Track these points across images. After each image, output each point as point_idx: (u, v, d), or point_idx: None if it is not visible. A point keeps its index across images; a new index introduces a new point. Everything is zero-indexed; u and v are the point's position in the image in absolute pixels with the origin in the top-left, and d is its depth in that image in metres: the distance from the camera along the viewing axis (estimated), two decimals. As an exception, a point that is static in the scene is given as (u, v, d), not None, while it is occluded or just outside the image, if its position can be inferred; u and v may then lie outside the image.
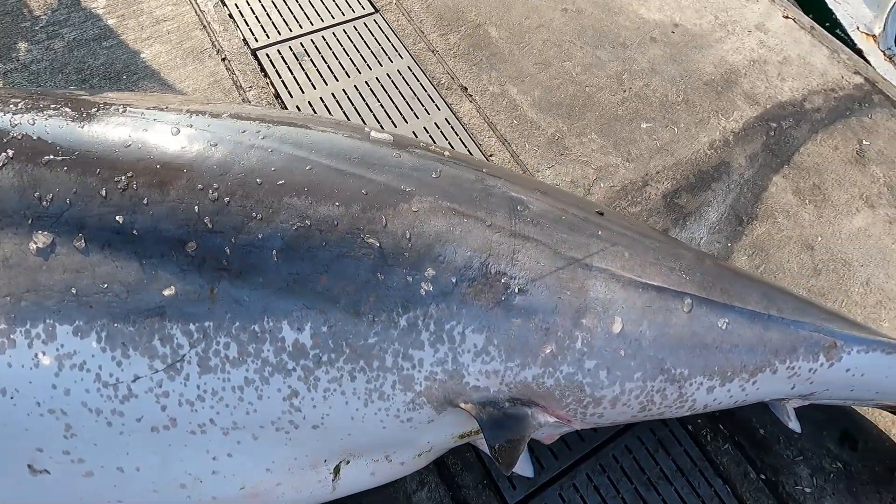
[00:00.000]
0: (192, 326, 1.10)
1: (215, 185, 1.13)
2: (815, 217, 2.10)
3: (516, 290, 1.16)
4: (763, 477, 1.59)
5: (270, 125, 1.26)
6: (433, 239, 1.16)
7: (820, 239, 2.05)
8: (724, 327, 1.24)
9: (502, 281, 1.16)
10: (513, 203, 1.26)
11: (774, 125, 2.32)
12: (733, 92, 2.40)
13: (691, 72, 2.44)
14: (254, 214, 1.12)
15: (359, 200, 1.16)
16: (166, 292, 1.09)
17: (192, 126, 1.21)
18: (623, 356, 1.19)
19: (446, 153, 1.36)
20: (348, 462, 1.30)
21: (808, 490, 1.58)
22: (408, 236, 1.15)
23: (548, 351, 1.17)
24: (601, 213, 1.36)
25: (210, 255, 1.10)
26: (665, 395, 1.24)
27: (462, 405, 1.17)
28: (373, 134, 1.34)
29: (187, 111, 1.26)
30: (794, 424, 1.43)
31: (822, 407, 1.66)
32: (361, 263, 1.13)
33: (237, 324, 1.11)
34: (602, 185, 2.09)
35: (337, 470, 1.31)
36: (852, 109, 2.41)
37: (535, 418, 1.20)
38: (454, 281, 1.15)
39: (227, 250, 1.10)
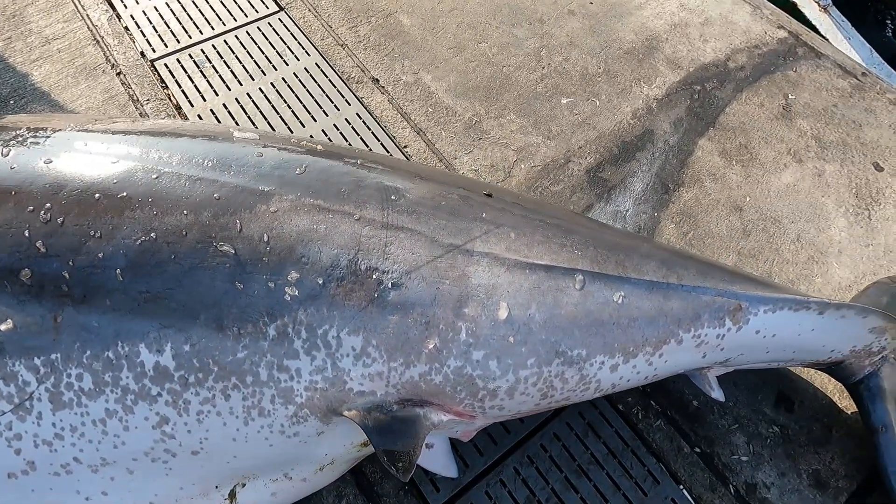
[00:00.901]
0: (37, 360, 1.01)
1: (48, 206, 1.04)
2: (743, 177, 2.05)
3: (390, 286, 1.09)
4: (698, 450, 1.53)
5: (118, 135, 1.18)
6: (294, 239, 1.08)
7: (748, 199, 2.01)
8: (619, 301, 1.18)
9: (374, 277, 1.09)
10: (386, 192, 1.18)
11: (698, 88, 2.27)
12: (655, 58, 2.34)
13: (611, 42, 2.38)
14: (92, 233, 1.03)
15: (210, 206, 1.08)
16: (3, 326, 1.00)
17: (25, 144, 1.11)
18: (513, 343, 1.12)
19: (319, 147, 1.28)
20: (244, 485, 1.22)
21: (744, 459, 1.53)
22: (266, 239, 1.07)
23: (431, 346, 1.10)
24: (489, 195, 1.29)
25: (48, 281, 1.02)
26: (565, 378, 1.17)
27: (346, 413, 1.10)
28: (236, 134, 1.25)
29: (27, 128, 1.17)
30: (717, 394, 1.38)
31: (755, 370, 1.61)
32: (217, 273, 1.05)
33: (88, 352, 1.02)
34: (523, 166, 2.02)
35: (233, 495, 1.23)
36: (777, 64, 2.37)
37: (428, 419, 1.13)
38: (321, 282, 1.07)
39: (66, 274, 1.02)
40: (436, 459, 1.41)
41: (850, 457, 1.54)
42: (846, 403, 1.62)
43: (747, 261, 1.87)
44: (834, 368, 1.43)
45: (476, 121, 2.11)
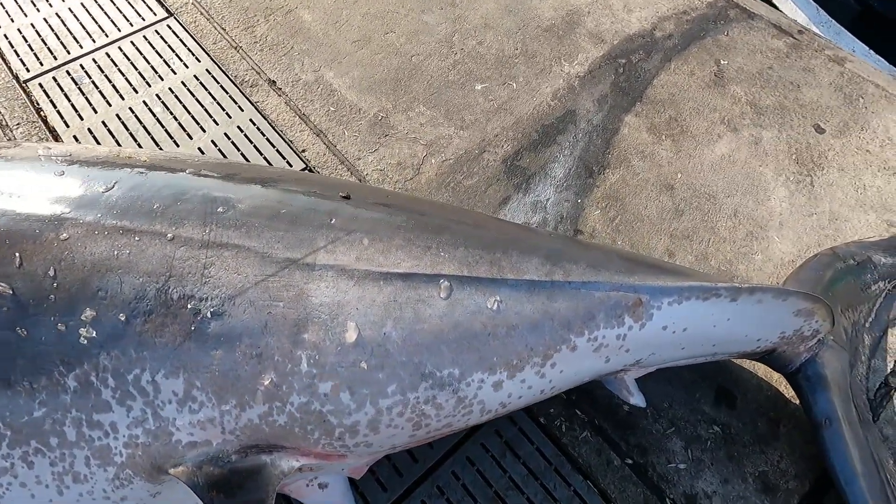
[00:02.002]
0: None
1: None
2: (674, 153, 1.90)
3: (209, 315, 0.92)
4: (630, 461, 1.37)
5: None
6: (89, 271, 0.91)
7: (680, 176, 1.85)
8: (495, 308, 1.01)
9: (189, 306, 0.92)
10: (213, 205, 1.01)
11: (623, 61, 2.12)
12: (576, 34, 2.19)
13: (529, 20, 2.22)
14: None
15: (-17, 240, 0.91)
16: None
17: None
18: (366, 369, 0.95)
19: (144, 158, 1.10)
20: (81, 561, 1.05)
21: (682, 467, 1.36)
22: (52, 273, 0.90)
23: (267, 382, 0.93)
24: (347, 197, 1.12)
25: None
26: (438, 403, 1.00)
27: (171, 471, 0.93)
28: (41, 152, 1.08)
29: None
30: (636, 399, 1.21)
31: (692, 365, 1.45)
32: (-8, 320, 0.88)
33: None
34: (433, 161, 1.86)
35: (69, 573, 1.05)
36: (707, 30, 2.21)
37: (277, 466, 0.96)
38: (124, 318, 0.90)
39: None
40: (331, 499, 1.24)
41: (800, 453, 1.38)
42: (794, 393, 1.46)
43: (680, 243, 1.71)
44: (768, 358, 1.27)
45: (382, 116, 1.95)
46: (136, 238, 0.94)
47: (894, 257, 1.63)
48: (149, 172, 1.05)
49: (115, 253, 0.93)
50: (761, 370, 1.50)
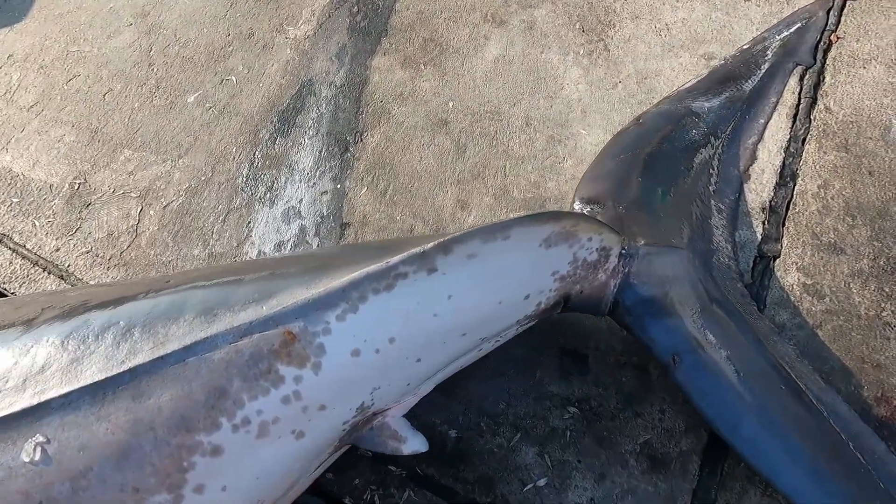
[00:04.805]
0: None
1: None
2: (439, 80, 1.51)
3: None
4: (474, 507, 1.00)
5: None
6: None
7: (452, 104, 1.46)
8: (37, 457, 0.59)
9: None
10: None
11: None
12: (295, -12, 1.78)
13: (236, -4, 1.80)
14: None
15: None
16: None
17: None
18: None
19: None
20: None
21: (542, 483, 0.99)
22: None
23: None
24: None
25: None
26: None
27: None
28: None
29: None
30: (412, 443, 0.82)
31: (525, 338, 1.07)
32: None
33: None
34: (152, 212, 1.43)
35: None
36: (443, -77, 1.83)
37: None
38: None
39: None
40: None
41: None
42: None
43: (472, 185, 1.33)
44: (570, 307, 0.89)
45: (79, 183, 1.51)
46: None
47: (720, 96, 1.28)
48: None
49: None
50: (608, 305, 1.13)
